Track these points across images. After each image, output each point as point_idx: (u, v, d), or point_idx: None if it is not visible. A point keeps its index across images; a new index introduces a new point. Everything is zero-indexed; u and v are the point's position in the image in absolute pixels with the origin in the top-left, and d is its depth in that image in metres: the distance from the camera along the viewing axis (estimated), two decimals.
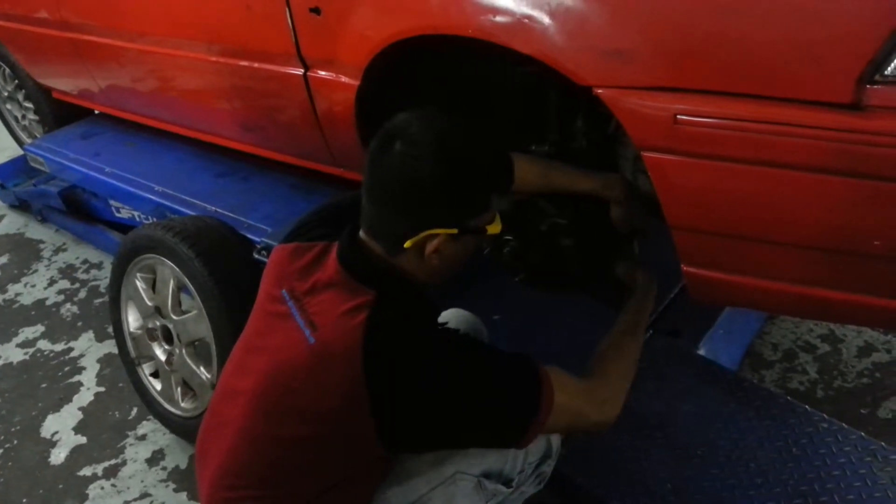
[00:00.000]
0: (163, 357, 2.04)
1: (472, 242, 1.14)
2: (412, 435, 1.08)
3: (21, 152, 3.26)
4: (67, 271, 3.00)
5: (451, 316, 1.63)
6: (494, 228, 1.13)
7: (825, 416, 1.57)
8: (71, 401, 2.32)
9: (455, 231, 1.08)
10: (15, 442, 2.20)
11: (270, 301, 1.19)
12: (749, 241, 1.16)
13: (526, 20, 1.19)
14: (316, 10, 1.56)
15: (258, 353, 1.16)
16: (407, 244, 1.08)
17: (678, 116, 1.08)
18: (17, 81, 3.28)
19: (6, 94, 3.46)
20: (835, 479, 1.43)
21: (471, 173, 1.08)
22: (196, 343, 1.96)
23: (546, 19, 1.17)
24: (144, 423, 2.19)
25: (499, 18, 1.23)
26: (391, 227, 1.10)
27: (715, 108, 1.05)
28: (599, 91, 1.15)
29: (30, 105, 3.31)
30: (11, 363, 2.52)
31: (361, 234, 1.14)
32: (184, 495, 1.95)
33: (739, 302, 1.43)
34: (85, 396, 2.33)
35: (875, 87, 0.94)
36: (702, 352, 1.82)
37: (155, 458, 2.08)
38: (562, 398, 1.10)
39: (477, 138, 1.11)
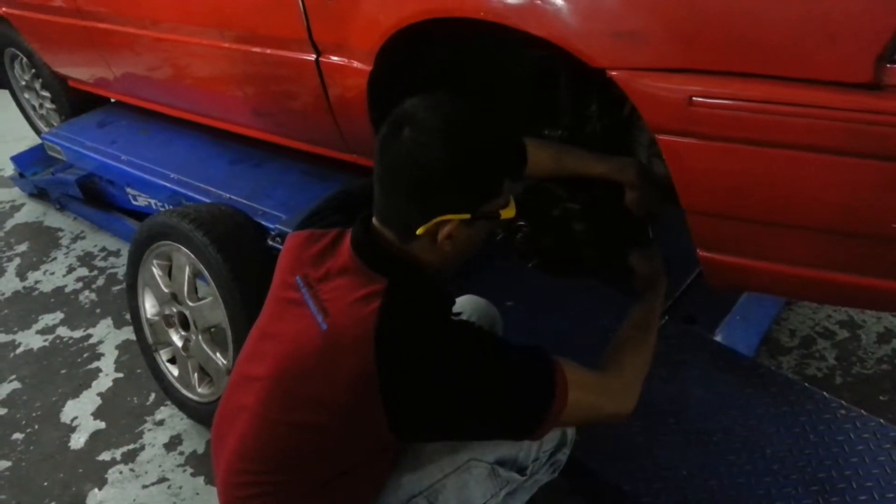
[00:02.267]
0: (179, 343, 2.06)
1: (486, 227, 1.13)
2: (423, 425, 1.08)
3: (39, 141, 3.28)
4: (86, 259, 3.03)
5: (465, 302, 1.63)
6: (508, 213, 1.12)
7: (843, 402, 1.55)
8: (90, 387, 2.35)
9: (468, 217, 1.07)
10: (36, 427, 2.23)
11: (284, 287, 1.19)
12: (766, 225, 1.14)
13: (538, 2, 1.18)
14: None
15: (272, 340, 1.17)
16: (419, 231, 1.07)
17: (693, 98, 1.06)
18: (34, 71, 3.31)
19: (24, 83, 3.49)
20: (853, 466, 1.42)
21: (481, 158, 1.06)
22: (212, 329, 1.97)
23: (558, 0, 1.16)
24: (162, 408, 2.22)
25: (510, 0, 1.21)
26: (402, 214, 1.09)
27: (730, 89, 1.03)
28: (613, 73, 1.13)
29: (47, 94, 3.34)
30: (31, 350, 2.55)
31: (374, 221, 1.14)
32: (201, 479, 1.98)
33: (756, 287, 1.41)
34: (103, 382, 2.36)
35: (895, 66, 0.92)
36: (718, 338, 1.81)
37: (173, 443, 2.10)
38: (576, 392, 1.09)
39: (487, 122, 1.09)
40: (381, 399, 1.02)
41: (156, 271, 2.05)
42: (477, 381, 1.05)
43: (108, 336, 2.56)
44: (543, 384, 1.08)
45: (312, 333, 1.08)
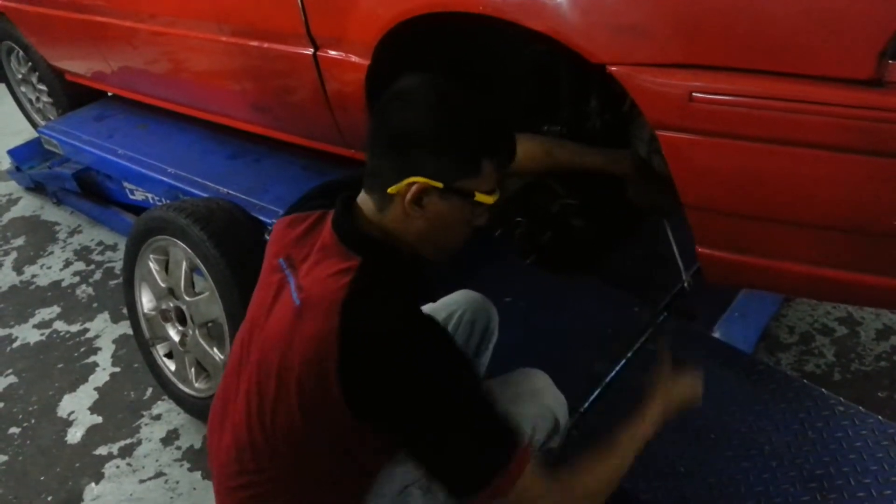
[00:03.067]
0: (176, 338, 2.05)
1: (461, 208, 1.10)
2: (372, 403, 1.03)
3: (36, 135, 3.27)
4: (83, 253, 3.02)
5: (460, 297, 1.62)
6: (486, 198, 1.09)
7: (842, 399, 1.55)
8: (87, 381, 2.34)
9: (440, 185, 1.06)
10: (32, 421, 2.23)
11: (270, 272, 1.20)
12: (765, 222, 1.14)
13: None
14: None
15: (258, 327, 1.17)
16: (390, 190, 1.06)
17: (693, 94, 1.06)
18: (30, 64, 3.29)
19: (20, 76, 3.47)
20: (851, 463, 1.42)
21: (460, 126, 1.06)
22: (209, 324, 1.96)
23: None
24: (159, 403, 2.21)
25: None
26: (380, 174, 1.09)
27: (731, 85, 1.02)
28: (613, 69, 1.13)
29: (44, 87, 3.32)
30: (28, 344, 2.54)
31: (361, 195, 1.14)
32: (198, 474, 1.97)
33: (755, 284, 1.41)
34: (100, 377, 2.35)
35: None
36: (717, 335, 1.81)
37: (169, 438, 2.09)
38: (527, 478, 1.02)
39: (475, 99, 1.09)
40: (336, 368, 1.00)
41: (153, 266, 2.04)
42: (432, 383, 1.01)
43: (105, 330, 2.55)
44: (502, 442, 1.02)
45: (288, 309, 1.08)
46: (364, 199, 1.13)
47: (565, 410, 1.33)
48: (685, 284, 1.45)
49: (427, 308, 1.50)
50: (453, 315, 1.51)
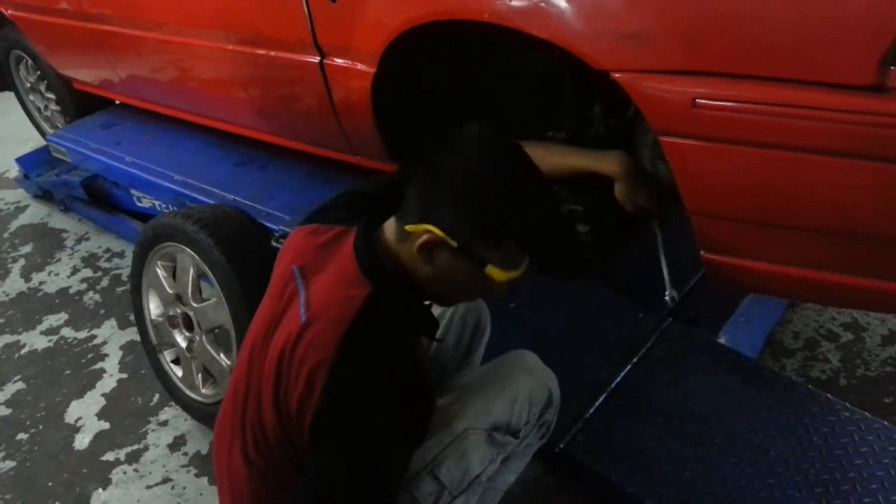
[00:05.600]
0: (183, 344, 2.06)
1: (471, 272, 1.08)
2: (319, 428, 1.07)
3: (44, 143, 3.29)
4: (90, 260, 3.04)
5: None
6: (497, 273, 1.07)
7: (847, 405, 1.55)
8: (94, 387, 2.35)
9: (454, 244, 1.05)
10: (40, 427, 2.24)
11: (282, 279, 1.20)
12: (770, 227, 1.15)
13: (542, 4, 1.18)
14: None
15: (269, 335, 1.18)
16: (408, 228, 1.07)
17: (697, 100, 1.06)
18: (39, 72, 3.31)
19: (29, 84, 3.50)
20: (856, 468, 1.42)
21: (498, 194, 1.04)
22: (216, 330, 1.97)
23: (562, 3, 1.16)
24: (166, 409, 2.22)
25: (515, 3, 1.22)
26: (409, 206, 1.09)
27: (733, 91, 1.03)
28: (617, 75, 1.14)
29: (52, 96, 3.35)
30: (36, 350, 2.56)
31: (390, 219, 1.14)
32: (205, 480, 1.98)
33: (760, 289, 1.41)
34: (108, 383, 2.36)
35: None
36: (722, 340, 1.81)
37: (176, 444, 2.10)
38: None
39: (531, 181, 1.07)
40: (320, 392, 1.04)
41: (160, 272, 2.06)
42: (374, 437, 1.04)
43: (113, 337, 2.56)
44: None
45: (294, 328, 1.10)
46: (390, 224, 1.13)
47: (556, 384, 1.36)
48: (667, 298, 1.45)
49: None
50: (446, 312, 1.53)
